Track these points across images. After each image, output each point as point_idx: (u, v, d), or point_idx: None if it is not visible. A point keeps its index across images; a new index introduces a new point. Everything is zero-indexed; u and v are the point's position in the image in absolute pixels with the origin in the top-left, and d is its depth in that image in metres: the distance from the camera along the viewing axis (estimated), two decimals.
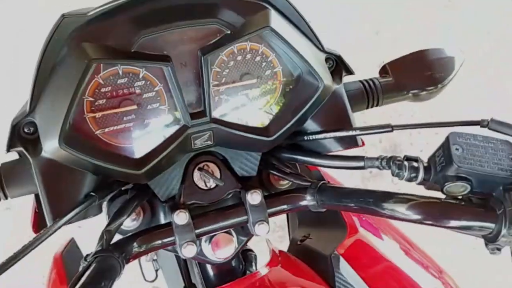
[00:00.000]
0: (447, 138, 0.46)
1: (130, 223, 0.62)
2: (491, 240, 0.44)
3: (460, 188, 0.45)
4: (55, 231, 0.50)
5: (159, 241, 0.58)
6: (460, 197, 0.47)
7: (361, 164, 0.55)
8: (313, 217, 0.84)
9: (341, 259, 0.68)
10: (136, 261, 0.65)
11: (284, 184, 0.66)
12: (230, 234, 0.63)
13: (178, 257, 0.86)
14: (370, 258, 0.69)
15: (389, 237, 0.75)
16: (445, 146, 0.46)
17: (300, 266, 0.71)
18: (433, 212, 0.47)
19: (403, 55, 0.69)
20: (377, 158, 0.53)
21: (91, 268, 0.49)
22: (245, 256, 0.74)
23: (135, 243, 0.56)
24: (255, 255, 0.75)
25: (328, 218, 0.78)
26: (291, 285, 0.65)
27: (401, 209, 0.49)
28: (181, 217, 0.57)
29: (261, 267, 0.70)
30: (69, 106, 0.50)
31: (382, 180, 2.05)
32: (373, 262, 0.68)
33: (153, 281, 1.09)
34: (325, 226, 0.79)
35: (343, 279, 0.66)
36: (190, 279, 0.83)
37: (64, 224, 0.51)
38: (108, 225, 0.55)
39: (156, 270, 1.10)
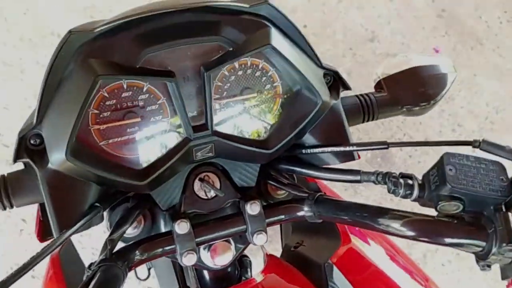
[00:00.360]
0: (441, 158, 0.47)
1: (131, 231, 0.63)
2: (482, 257, 0.46)
3: (453, 207, 0.47)
4: (63, 242, 0.51)
5: (160, 249, 0.59)
6: (452, 215, 0.49)
7: (357, 178, 0.57)
8: (306, 224, 0.86)
9: (335, 268, 0.69)
10: None
11: (281, 194, 0.68)
12: (229, 242, 0.65)
13: (173, 260, 0.87)
14: (362, 268, 0.70)
15: (379, 245, 0.77)
16: (439, 166, 0.48)
17: (294, 274, 0.73)
18: (427, 230, 0.49)
19: (397, 71, 0.71)
20: (373, 173, 0.55)
21: (96, 278, 0.51)
22: (240, 261, 0.76)
23: (137, 251, 0.58)
24: (250, 261, 0.77)
25: (321, 226, 0.80)
26: None
27: (396, 225, 0.51)
28: (182, 227, 0.58)
29: (257, 274, 0.71)
30: (76, 120, 0.51)
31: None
32: (365, 272, 0.70)
33: (145, 279, 1.10)
34: (319, 234, 0.81)
35: None
36: (184, 282, 0.85)
37: (71, 235, 0.52)
38: (111, 234, 0.57)
39: (149, 269, 1.11)
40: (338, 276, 0.69)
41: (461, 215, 0.48)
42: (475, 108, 2.27)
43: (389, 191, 0.52)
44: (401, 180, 0.51)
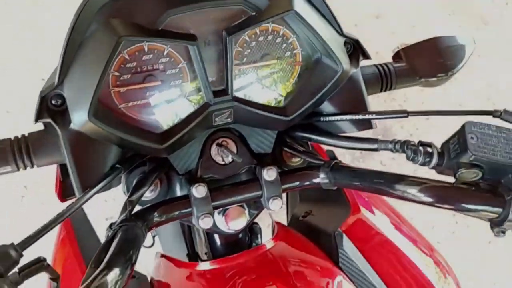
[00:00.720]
0: (463, 127, 0.48)
1: (147, 194, 0.64)
2: (497, 223, 0.47)
3: (472, 175, 0.48)
4: (86, 201, 0.52)
5: (177, 212, 0.61)
6: (470, 182, 0.50)
7: (374, 146, 0.57)
8: (315, 194, 0.87)
9: (344, 236, 0.71)
10: None
11: (296, 161, 0.68)
12: (242, 207, 0.66)
13: (182, 226, 0.89)
14: (371, 237, 0.72)
15: (387, 217, 0.78)
16: (461, 134, 0.48)
17: (304, 242, 0.74)
18: (445, 196, 0.50)
19: (416, 42, 0.71)
20: (390, 142, 0.55)
21: (118, 237, 0.52)
22: (250, 228, 0.77)
23: (155, 213, 0.59)
24: (260, 228, 0.78)
25: (330, 196, 0.81)
26: (297, 260, 0.68)
27: (413, 191, 0.52)
28: (199, 191, 0.59)
29: (267, 240, 0.72)
30: (99, 81, 0.51)
31: (370, 159, 2.09)
32: (374, 241, 0.72)
33: (150, 246, 1.11)
34: (327, 203, 0.82)
35: (346, 256, 0.70)
36: (193, 247, 0.86)
37: (94, 194, 0.53)
38: (130, 195, 0.58)
39: (153, 236, 1.12)
40: (347, 244, 0.70)
41: (479, 183, 0.49)
42: (477, 88, 2.27)
43: (408, 158, 0.53)
44: (421, 148, 0.52)
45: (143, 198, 0.64)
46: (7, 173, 0.55)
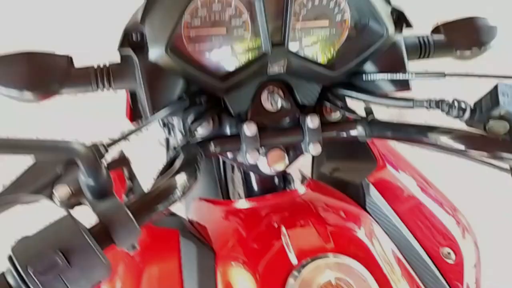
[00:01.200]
0: (495, 87, 0.55)
1: (201, 131, 0.71)
2: None
3: (500, 127, 0.55)
4: (155, 119, 0.60)
5: (228, 146, 0.69)
6: (498, 134, 0.56)
7: (410, 104, 0.64)
8: (341, 151, 0.95)
9: (371, 186, 0.78)
10: None
11: (335, 117, 0.76)
12: (283, 151, 0.73)
13: (218, 172, 0.97)
14: (396, 190, 0.79)
15: (412, 177, 0.85)
16: (492, 92, 0.55)
17: (333, 190, 0.82)
18: (475, 143, 0.57)
19: (454, 19, 0.78)
20: (426, 101, 0.62)
21: (182, 155, 0.60)
22: (284, 177, 0.85)
23: (211, 143, 0.68)
24: (292, 177, 0.86)
25: (357, 153, 0.88)
26: (328, 203, 0.75)
27: (446, 139, 0.59)
28: (250, 128, 0.67)
29: (300, 186, 0.80)
30: (176, 22, 0.60)
31: None
32: (398, 194, 0.79)
33: None
34: (354, 159, 0.89)
35: (373, 202, 0.77)
36: (227, 194, 0.94)
37: (161, 116, 0.61)
38: (190, 126, 0.66)
39: None
40: (374, 193, 0.77)
41: (505, 135, 0.56)
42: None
43: (442, 111, 0.60)
44: (456, 103, 0.59)
45: (197, 135, 0.71)
46: (89, 92, 0.63)
